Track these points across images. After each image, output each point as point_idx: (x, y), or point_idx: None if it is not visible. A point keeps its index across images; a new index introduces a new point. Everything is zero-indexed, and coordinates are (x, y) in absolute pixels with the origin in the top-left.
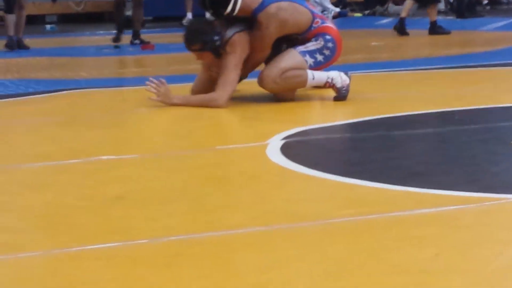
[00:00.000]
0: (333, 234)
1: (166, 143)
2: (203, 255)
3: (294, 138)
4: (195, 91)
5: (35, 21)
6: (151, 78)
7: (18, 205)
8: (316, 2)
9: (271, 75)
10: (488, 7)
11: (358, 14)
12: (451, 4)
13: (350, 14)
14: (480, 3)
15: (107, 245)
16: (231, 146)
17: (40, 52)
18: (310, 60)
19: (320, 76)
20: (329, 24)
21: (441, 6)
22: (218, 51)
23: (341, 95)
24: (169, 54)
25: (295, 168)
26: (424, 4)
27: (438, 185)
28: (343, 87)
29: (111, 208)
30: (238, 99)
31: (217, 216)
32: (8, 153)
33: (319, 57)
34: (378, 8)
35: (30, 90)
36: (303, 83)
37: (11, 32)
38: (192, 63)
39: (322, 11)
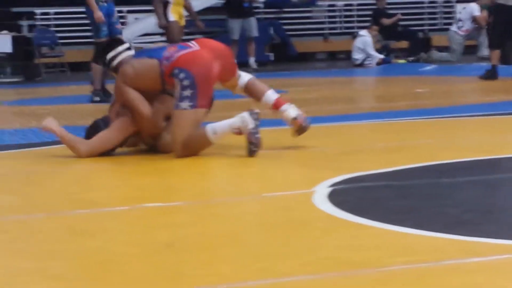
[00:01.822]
0: (385, 282)
1: (213, 189)
2: None
3: (341, 185)
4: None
5: (81, 68)
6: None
7: (69, 252)
8: (360, 48)
9: (175, 151)
10: None
11: (402, 61)
12: None
13: (394, 61)
14: None
15: None
16: (277, 193)
17: (85, 99)
18: (186, 104)
19: (223, 128)
20: (176, 55)
21: (486, 52)
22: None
23: (250, 151)
24: None
25: (343, 216)
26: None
27: (487, 234)
28: (251, 140)
29: (161, 254)
30: (283, 147)
31: (268, 263)
32: (57, 200)
33: (188, 92)
34: (422, 55)
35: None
36: (207, 143)
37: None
38: None
39: (366, 58)
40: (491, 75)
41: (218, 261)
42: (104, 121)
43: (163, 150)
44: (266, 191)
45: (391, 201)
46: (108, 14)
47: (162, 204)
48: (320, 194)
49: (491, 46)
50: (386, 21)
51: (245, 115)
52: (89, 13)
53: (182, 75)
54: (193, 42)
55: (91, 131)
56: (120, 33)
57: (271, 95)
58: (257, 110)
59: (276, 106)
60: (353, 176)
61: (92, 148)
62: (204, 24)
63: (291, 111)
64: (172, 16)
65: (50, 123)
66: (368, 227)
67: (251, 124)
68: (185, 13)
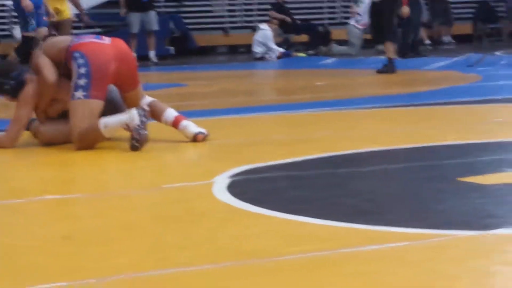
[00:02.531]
0: (282, 271)
1: (111, 182)
2: None
3: (240, 176)
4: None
5: None
6: None
7: None
8: (260, 42)
9: (74, 141)
10: (430, 47)
11: (302, 54)
12: None
13: (294, 54)
14: (423, 43)
15: (55, 284)
16: (177, 184)
17: None
18: (80, 94)
19: (114, 122)
20: (86, 40)
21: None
22: (14, 93)
23: (132, 146)
24: None
25: (241, 206)
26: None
27: (384, 222)
28: (134, 135)
29: (59, 247)
30: (183, 139)
31: (165, 254)
32: None
33: (82, 82)
34: (322, 48)
35: None
36: (99, 136)
37: None
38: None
39: (266, 51)
40: (388, 68)
41: (116, 253)
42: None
43: (41, 140)
44: (165, 183)
45: (289, 191)
46: (36, 6)
47: (60, 196)
48: (219, 185)
49: (376, 41)
50: (274, 14)
51: (133, 111)
52: (18, 5)
53: (80, 61)
54: (110, 38)
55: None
56: (46, 25)
57: (170, 113)
58: (146, 108)
59: (176, 123)
60: (253, 167)
61: (13, 134)
62: (91, 18)
63: (191, 128)
64: None
65: None
66: (266, 216)
67: (137, 120)
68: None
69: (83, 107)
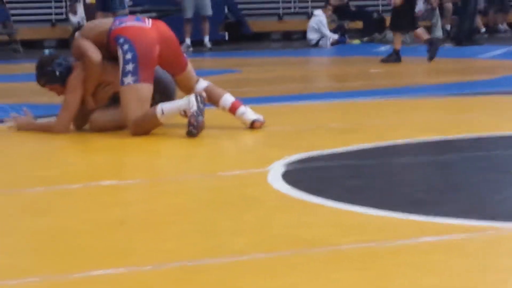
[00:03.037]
0: (337, 260)
1: (166, 168)
2: (207, 281)
3: (295, 165)
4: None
5: (33, 46)
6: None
7: (20, 229)
8: (314, 28)
9: (129, 128)
10: (486, 35)
11: (357, 41)
12: (449, 32)
13: (348, 41)
14: (478, 31)
15: (111, 270)
16: (232, 172)
17: None
18: (130, 79)
19: (171, 109)
20: (128, 23)
21: (439, 33)
22: (63, 80)
23: (189, 132)
24: None
25: (296, 195)
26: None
27: (440, 213)
28: (191, 121)
29: (113, 232)
30: (238, 126)
31: (220, 241)
32: (9, 178)
33: (130, 67)
34: (376, 35)
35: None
36: (156, 122)
37: None
38: None
39: (321, 38)
40: (391, 58)
41: (170, 239)
42: (45, 57)
43: (93, 127)
44: (221, 170)
45: (344, 181)
46: None
47: (115, 181)
48: (275, 173)
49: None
50: (333, 1)
51: (191, 97)
52: None
53: (126, 47)
54: (149, 20)
55: (37, 71)
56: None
57: (228, 99)
58: (204, 94)
59: (233, 109)
60: (308, 155)
61: (64, 120)
62: (147, 3)
63: (249, 114)
64: None
65: (20, 121)
66: (321, 206)
67: (194, 106)
68: None
69: (134, 93)
